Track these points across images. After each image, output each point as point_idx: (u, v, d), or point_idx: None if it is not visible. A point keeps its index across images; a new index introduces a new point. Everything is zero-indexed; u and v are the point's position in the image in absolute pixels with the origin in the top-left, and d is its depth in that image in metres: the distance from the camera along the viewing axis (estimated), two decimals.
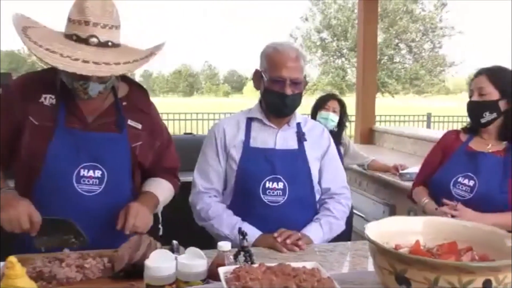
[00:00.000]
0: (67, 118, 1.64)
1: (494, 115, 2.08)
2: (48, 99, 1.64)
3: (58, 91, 1.65)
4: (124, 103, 1.73)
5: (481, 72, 2.12)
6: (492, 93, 2.06)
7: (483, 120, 2.10)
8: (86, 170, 1.63)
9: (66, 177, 1.61)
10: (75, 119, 1.65)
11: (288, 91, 1.86)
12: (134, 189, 1.76)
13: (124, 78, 1.78)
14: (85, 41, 1.50)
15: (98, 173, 1.64)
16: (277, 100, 1.89)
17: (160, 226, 1.76)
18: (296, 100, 1.91)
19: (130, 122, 1.72)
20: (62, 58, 1.45)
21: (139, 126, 1.74)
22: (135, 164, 1.74)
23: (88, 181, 1.63)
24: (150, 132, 1.77)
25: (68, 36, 1.52)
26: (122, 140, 1.69)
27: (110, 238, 1.58)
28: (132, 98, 1.76)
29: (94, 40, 1.50)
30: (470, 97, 2.14)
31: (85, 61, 1.46)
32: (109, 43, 1.52)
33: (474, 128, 2.20)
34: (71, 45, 1.50)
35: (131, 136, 1.71)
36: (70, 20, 1.53)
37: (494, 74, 2.08)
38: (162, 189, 1.80)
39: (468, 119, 2.23)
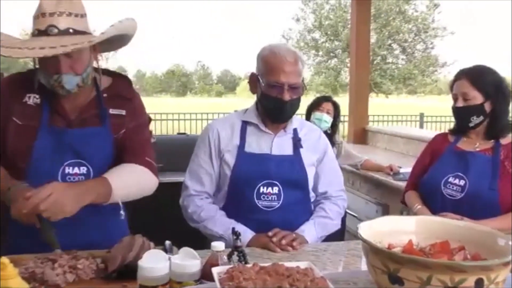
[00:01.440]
0: (50, 117, 1.63)
1: (481, 118, 2.09)
2: (32, 98, 1.63)
3: (37, 92, 1.63)
4: (105, 95, 1.70)
5: (462, 75, 2.12)
6: (476, 97, 2.07)
7: (471, 124, 2.12)
8: (71, 168, 1.61)
9: (52, 176, 1.59)
10: (58, 118, 1.64)
11: (286, 96, 1.80)
12: None
13: (106, 72, 1.76)
14: (45, 32, 1.49)
15: (83, 170, 1.62)
16: (275, 106, 1.84)
17: (121, 212, 1.60)
18: (294, 106, 1.86)
19: (112, 111, 1.68)
20: (19, 50, 1.45)
21: (123, 112, 1.70)
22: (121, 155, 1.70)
23: (74, 178, 1.61)
24: (131, 118, 1.72)
25: (32, 34, 1.52)
26: (103, 133, 1.66)
27: (99, 237, 1.56)
28: (114, 87, 1.73)
29: (53, 29, 1.48)
30: (455, 100, 2.14)
31: (41, 48, 1.44)
32: (70, 30, 1.50)
33: (461, 130, 2.21)
34: (32, 39, 1.49)
35: (115, 126, 1.68)
36: (32, 20, 1.53)
37: (475, 77, 2.08)
38: (121, 173, 1.64)
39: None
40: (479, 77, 2.09)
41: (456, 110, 2.14)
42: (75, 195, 1.46)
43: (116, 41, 1.67)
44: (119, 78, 1.79)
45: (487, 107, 2.08)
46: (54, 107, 1.64)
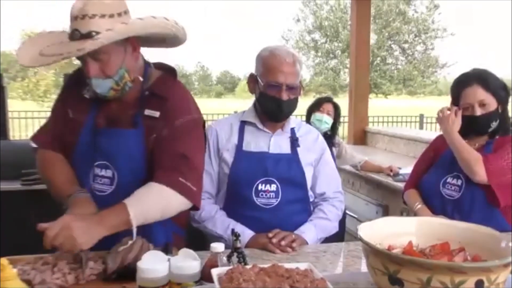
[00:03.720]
0: (97, 115, 1.63)
1: (497, 121, 2.08)
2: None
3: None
4: (147, 93, 1.62)
5: (473, 82, 2.06)
6: (492, 102, 2.04)
7: (490, 130, 2.09)
8: (99, 169, 1.61)
9: (85, 176, 1.61)
10: (102, 116, 1.63)
11: (284, 96, 1.84)
12: None
13: (158, 65, 1.71)
14: (71, 37, 1.47)
15: (109, 173, 1.60)
16: (273, 105, 1.87)
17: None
18: (291, 105, 1.89)
19: (147, 111, 1.60)
20: (39, 57, 1.46)
21: (157, 114, 1.59)
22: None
23: (101, 180, 1.61)
24: (164, 123, 1.59)
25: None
26: (134, 136, 1.59)
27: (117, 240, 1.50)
28: (155, 84, 1.65)
29: (76, 33, 1.45)
30: (468, 109, 2.07)
31: (60, 54, 1.43)
32: (93, 33, 1.43)
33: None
34: (63, 45, 1.48)
35: (147, 130, 1.58)
36: None
37: (486, 82, 2.05)
38: (144, 199, 1.49)
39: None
40: (489, 82, 2.05)
41: (475, 119, 2.06)
42: (85, 228, 1.36)
43: (157, 39, 1.60)
44: (165, 72, 1.70)
45: (500, 110, 2.07)
46: (104, 105, 1.62)
